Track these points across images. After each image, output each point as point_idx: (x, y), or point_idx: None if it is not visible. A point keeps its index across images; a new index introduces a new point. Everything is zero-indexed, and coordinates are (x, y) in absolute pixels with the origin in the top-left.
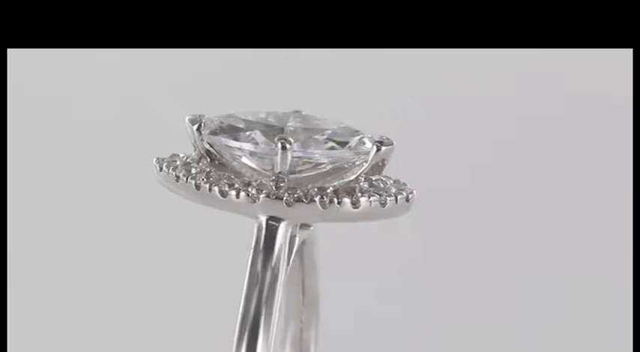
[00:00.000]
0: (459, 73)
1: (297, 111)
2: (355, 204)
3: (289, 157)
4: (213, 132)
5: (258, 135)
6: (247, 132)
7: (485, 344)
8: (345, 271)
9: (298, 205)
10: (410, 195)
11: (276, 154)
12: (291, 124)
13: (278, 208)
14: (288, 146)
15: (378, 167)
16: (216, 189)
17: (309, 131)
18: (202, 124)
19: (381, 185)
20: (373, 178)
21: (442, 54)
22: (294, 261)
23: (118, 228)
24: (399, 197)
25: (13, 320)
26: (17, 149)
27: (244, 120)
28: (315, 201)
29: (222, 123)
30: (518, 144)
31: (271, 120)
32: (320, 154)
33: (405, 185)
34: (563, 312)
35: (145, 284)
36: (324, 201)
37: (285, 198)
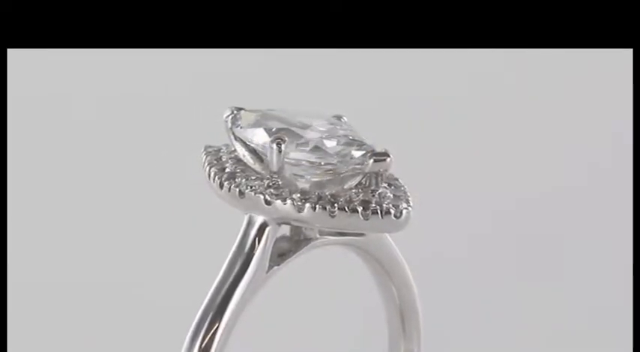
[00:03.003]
0: (458, 72)
1: (336, 116)
2: (332, 213)
3: (281, 157)
4: (245, 126)
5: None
6: (258, 129)
7: (485, 344)
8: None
9: (277, 204)
10: (403, 212)
11: (271, 153)
12: (314, 128)
13: (259, 205)
14: (283, 146)
15: (376, 178)
16: (217, 180)
17: (325, 138)
18: (233, 116)
19: (377, 198)
20: (377, 189)
21: (442, 54)
22: (381, 273)
23: (121, 228)
24: (385, 213)
25: (13, 320)
26: (17, 149)
27: (273, 117)
28: (293, 203)
29: (252, 118)
30: (518, 144)
31: (298, 120)
32: (318, 160)
33: (407, 202)
34: (563, 312)
35: (146, 284)
36: (301, 205)
37: (265, 197)
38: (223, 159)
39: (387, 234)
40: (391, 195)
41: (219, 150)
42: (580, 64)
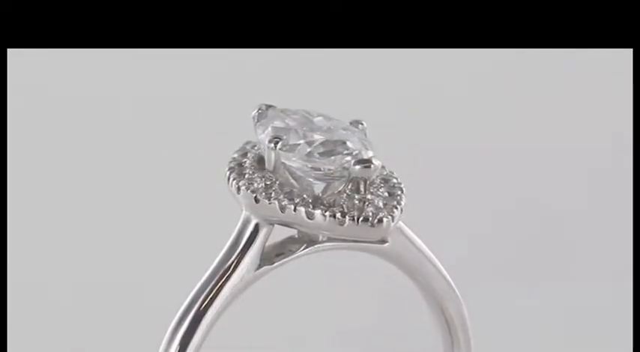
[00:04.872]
0: (458, 72)
1: (355, 121)
2: (310, 216)
3: (276, 156)
4: (263, 123)
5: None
6: (268, 127)
7: (485, 344)
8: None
9: (263, 203)
10: (383, 220)
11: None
12: (325, 131)
13: (249, 203)
14: (279, 145)
15: (365, 184)
16: (228, 174)
17: (329, 141)
18: (260, 113)
19: (360, 204)
20: (365, 195)
21: (442, 54)
22: (421, 283)
23: (125, 226)
24: (362, 220)
25: (13, 320)
26: (17, 149)
27: (289, 116)
28: (277, 204)
29: (271, 115)
30: (518, 144)
31: (312, 122)
32: (319, 164)
33: (391, 211)
34: (564, 312)
35: (145, 281)
36: (283, 205)
37: (256, 195)
38: (248, 156)
39: (413, 242)
40: (379, 203)
41: (253, 147)
42: (580, 64)
